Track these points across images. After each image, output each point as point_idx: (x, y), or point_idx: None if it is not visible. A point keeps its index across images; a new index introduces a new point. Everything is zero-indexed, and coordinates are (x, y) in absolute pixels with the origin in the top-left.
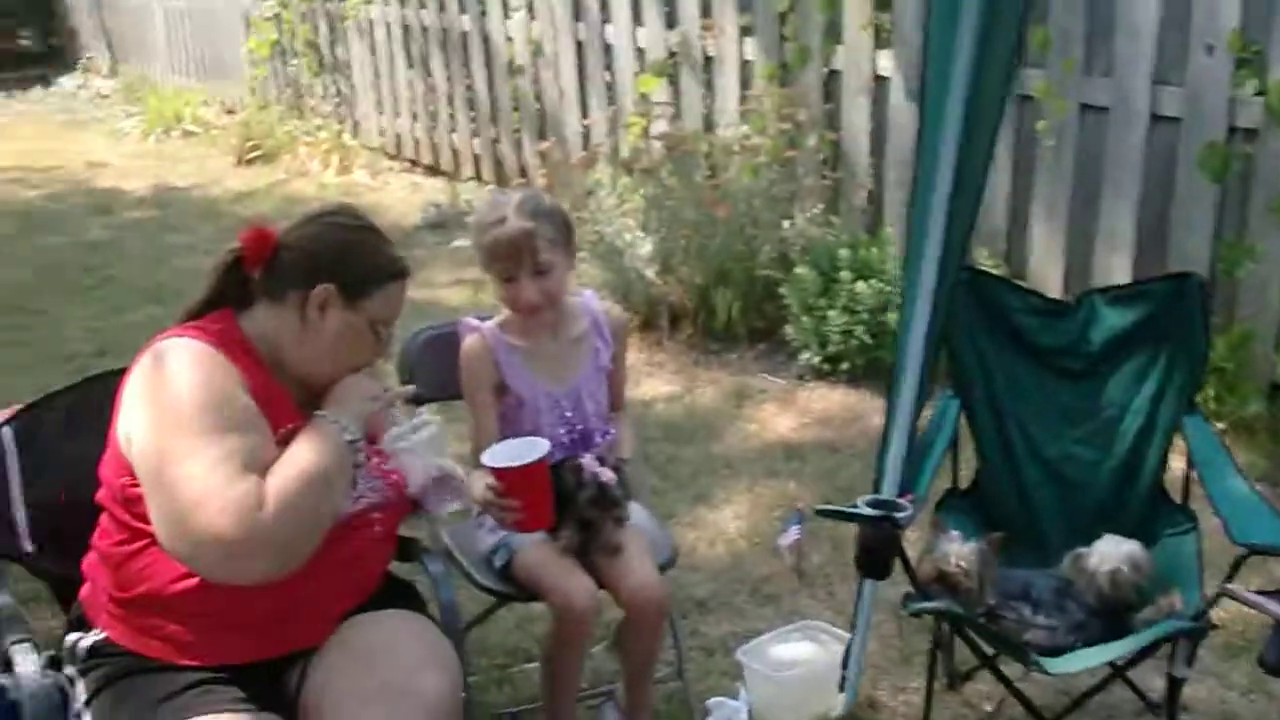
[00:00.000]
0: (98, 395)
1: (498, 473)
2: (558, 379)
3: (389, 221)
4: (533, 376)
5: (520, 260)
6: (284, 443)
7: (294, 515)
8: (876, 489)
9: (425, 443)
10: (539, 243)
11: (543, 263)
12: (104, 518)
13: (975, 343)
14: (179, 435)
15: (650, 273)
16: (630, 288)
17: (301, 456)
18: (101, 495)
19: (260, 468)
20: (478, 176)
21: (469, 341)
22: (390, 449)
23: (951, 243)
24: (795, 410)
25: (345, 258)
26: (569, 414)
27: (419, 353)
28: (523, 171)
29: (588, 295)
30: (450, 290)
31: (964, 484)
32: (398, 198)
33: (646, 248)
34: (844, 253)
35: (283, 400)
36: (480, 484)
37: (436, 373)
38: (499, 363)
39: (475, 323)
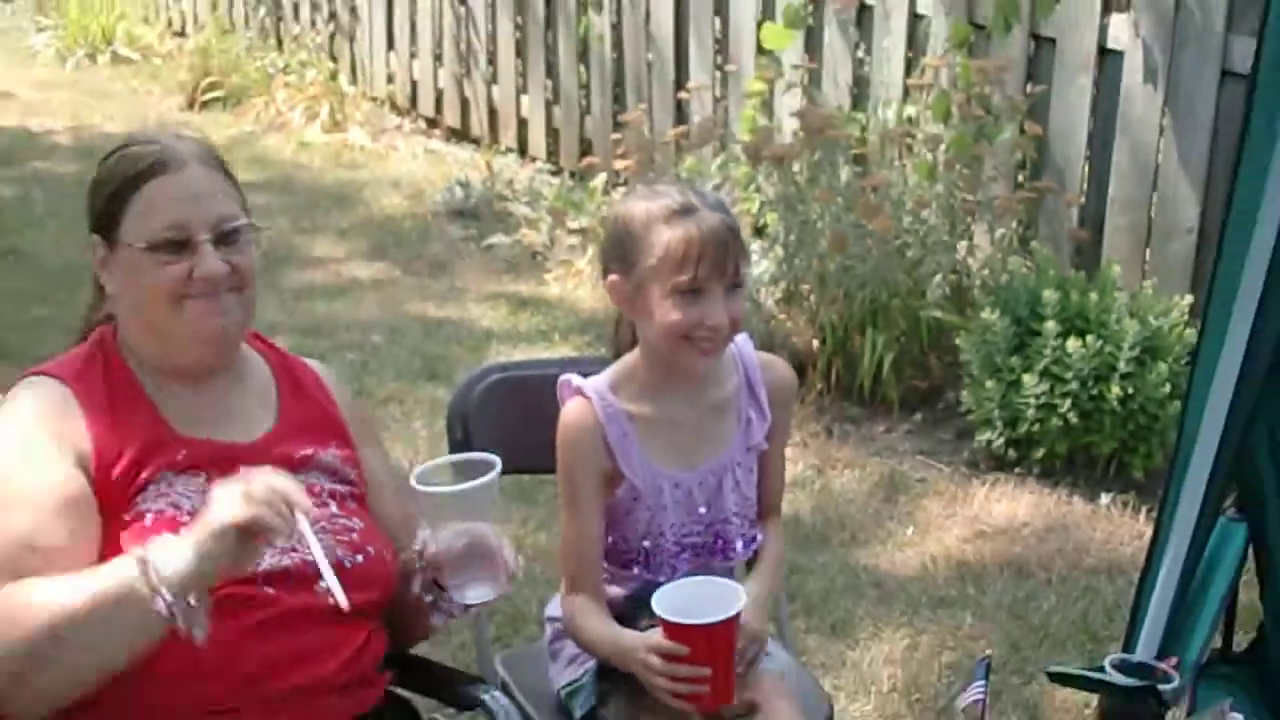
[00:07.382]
0: None
1: (679, 631)
2: (687, 459)
3: (396, 201)
4: (653, 457)
5: (724, 264)
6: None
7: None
8: (1127, 644)
9: (474, 495)
10: (739, 247)
11: (742, 275)
12: None
13: None
14: None
15: (770, 302)
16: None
17: (72, 583)
18: None
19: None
20: (521, 149)
21: (573, 411)
22: (420, 484)
23: (1269, 324)
24: (969, 513)
25: (92, 191)
26: (703, 509)
27: (480, 404)
28: (587, 148)
29: (740, 341)
30: (482, 307)
31: (1241, 644)
32: (409, 170)
33: (766, 267)
34: (1048, 294)
35: (148, 424)
36: (637, 641)
37: (504, 433)
38: (611, 443)
39: (579, 382)
